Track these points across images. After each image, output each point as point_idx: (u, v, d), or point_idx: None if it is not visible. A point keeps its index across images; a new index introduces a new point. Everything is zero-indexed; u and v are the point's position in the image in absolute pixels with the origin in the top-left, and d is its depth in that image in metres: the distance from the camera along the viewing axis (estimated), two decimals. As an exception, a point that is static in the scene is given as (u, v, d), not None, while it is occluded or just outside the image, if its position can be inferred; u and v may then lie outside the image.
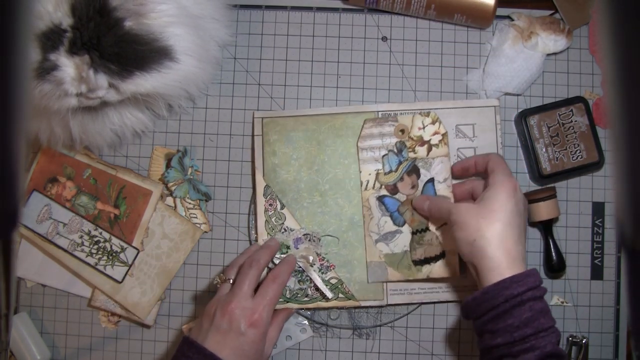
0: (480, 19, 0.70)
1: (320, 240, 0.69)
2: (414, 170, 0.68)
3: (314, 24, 0.73)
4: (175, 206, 0.72)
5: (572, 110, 0.70)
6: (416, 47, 0.72)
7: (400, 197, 0.68)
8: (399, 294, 0.69)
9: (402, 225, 0.68)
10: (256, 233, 0.70)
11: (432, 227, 0.68)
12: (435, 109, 0.69)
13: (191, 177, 0.71)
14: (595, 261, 0.71)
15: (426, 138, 0.68)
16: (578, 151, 0.70)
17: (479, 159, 0.65)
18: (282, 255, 0.68)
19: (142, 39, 0.56)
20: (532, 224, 0.71)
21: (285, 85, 0.72)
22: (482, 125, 0.69)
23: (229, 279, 0.63)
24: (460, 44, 0.72)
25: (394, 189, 0.68)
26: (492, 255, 0.56)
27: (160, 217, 0.71)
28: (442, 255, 0.68)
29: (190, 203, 0.71)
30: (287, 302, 0.68)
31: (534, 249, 0.71)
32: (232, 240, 0.72)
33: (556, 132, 0.70)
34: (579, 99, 0.70)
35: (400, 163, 0.68)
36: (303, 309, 0.69)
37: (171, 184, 0.70)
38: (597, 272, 0.71)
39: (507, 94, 0.71)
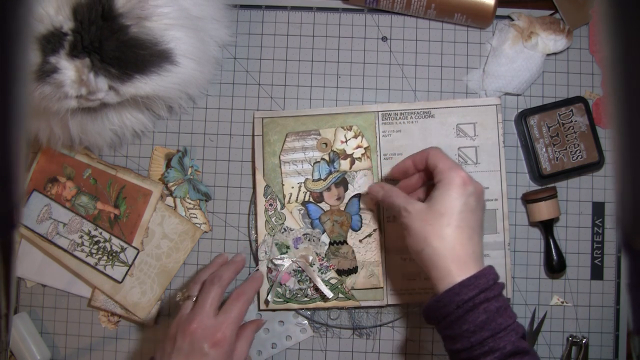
0: (480, 19, 0.70)
1: (319, 240, 0.69)
2: (342, 183, 0.69)
3: (314, 24, 0.73)
4: (175, 206, 0.72)
5: (572, 110, 0.70)
6: (416, 47, 0.72)
7: (325, 206, 0.69)
8: (399, 294, 0.69)
9: (322, 234, 0.69)
10: (256, 233, 0.70)
11: (350, 241, 0.69)
12: (436, 108, 0.69)
13: (191, 177, 0.71)
14: (595, 261, 0.71)
15: (349, 152, 0.69)
16: (578, 151, 0.70)
17: (417, 157, 0.60)
18: (283, 256, 0.68)
19: (144, 44, 0.56)
20: (533, 223, 0.71)
21: (285, 85, 0.72)
22: (483, 123, 0.69)
23: (192, 296, 0.61)
24: (460, 44, 0.72)
25: (319, 197, 0.69)
26: (441, 266, 0.53)
27: (160, 217, 0.71)
28: (354, 270, 0.68)
29: (190, 203, 0.71)
30: (287, 302, 0.68)
31: (534, 249, 0.71)
32: (232, 240, 0.72)
33: (556, 132, 0.70)
34: (579, 99, 0.70)
35: (330, 173, 0.69)
36: (303, 309, 0.69)
37: (171, 184, 0.70)
38: (597, 272, 0.71)
39: (507, 94, 0.71)
